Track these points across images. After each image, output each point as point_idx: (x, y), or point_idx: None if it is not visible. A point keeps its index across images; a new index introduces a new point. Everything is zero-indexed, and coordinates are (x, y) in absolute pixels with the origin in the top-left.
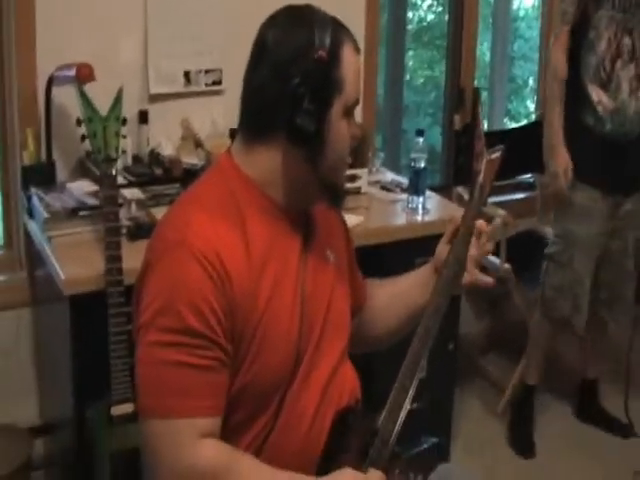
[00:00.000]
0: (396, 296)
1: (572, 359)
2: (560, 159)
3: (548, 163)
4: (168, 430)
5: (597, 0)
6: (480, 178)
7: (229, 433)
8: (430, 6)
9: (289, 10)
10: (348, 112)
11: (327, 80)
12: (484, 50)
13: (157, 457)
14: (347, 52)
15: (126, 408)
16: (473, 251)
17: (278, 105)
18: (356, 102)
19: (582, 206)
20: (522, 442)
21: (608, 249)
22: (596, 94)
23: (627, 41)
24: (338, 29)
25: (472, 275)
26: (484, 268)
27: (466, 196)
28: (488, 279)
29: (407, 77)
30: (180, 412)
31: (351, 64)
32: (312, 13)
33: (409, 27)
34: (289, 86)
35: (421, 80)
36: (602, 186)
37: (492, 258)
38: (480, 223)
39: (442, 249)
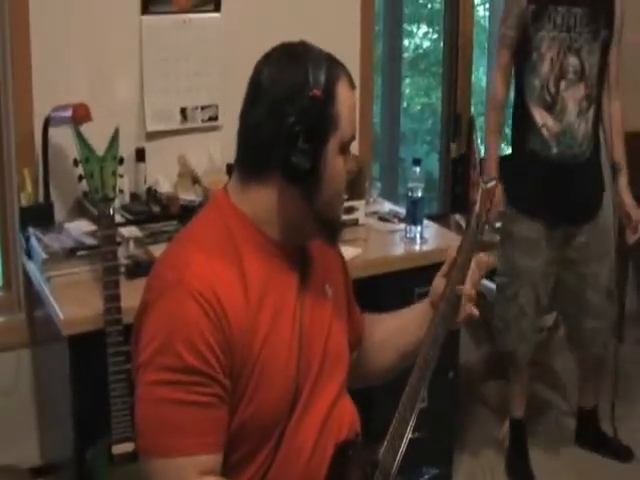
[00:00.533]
0: (395, 331)
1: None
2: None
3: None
4: (169, 469)
5: (537, 21)
6: (476, 207)
7: (229, 470)
8: (426, 33)
9: (284, 48)
10: (344, 148)
11: (322, 118)
12: (480, 75)
13: None
14: (342, 89)
15: (126, 447)
16: (467, 287)
17: (274, 144)
18: (352, 138)
19: (525, 239)
20: (521, 475)
21: (563, 282)
22: (540, 117)
23: (573, 61)
24: (333, 66)
25: (467, 310)
26: (482, 295)
27: (464, 224)
28: (475, 312)
29: (404, 105)
30: (181, 450)
31: (346, 100)
32: (306, 50)
33: (405, 55)
34: (284, 125)
35: (418, 107)
36: (545, 218)
37: (491, 284)
38: (480, 258)
39: (439, 282)
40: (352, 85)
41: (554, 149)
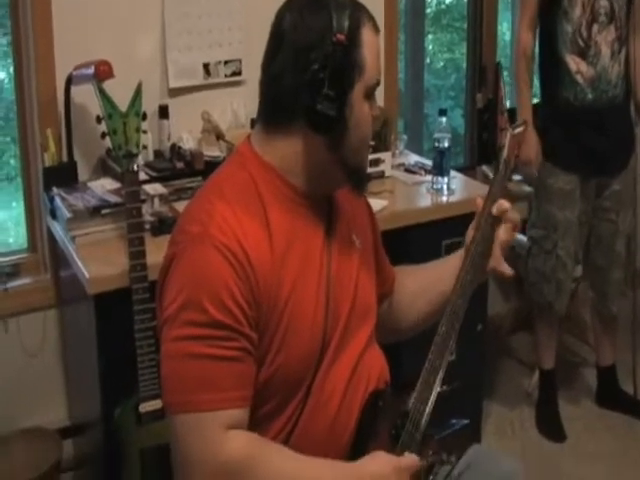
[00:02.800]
0: (425, 285)
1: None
2: (529, 146)
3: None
4: (195, 424)
5: None
6: (504, 153)
7: (257, 423)
8: None
9: None
10: (369, 94)
11: (347, 63)
12: (504, 30)
13: (186, 451)
14: (366, 33)
15: (154, 405)
16: (501, 235)
17: (298, 92)
18: (377, 83)
19: (561, 191)
20: (551, 427)
21: (597, 231)
22: (574, 63)
23: (604, 3)
24: (356, 10)
25: (495, 260)
26: (512, 248)
27: (491, 174)
28: (508, 270)
29: (427, 61)
30: (207, 405)
31: (371, 45)
32: None
33: (427, 11)
34: (309, 72)
35: (441, 63)
36: (580, 171)
37: (519, 236)
38: (500, 202)
39: (471, 234)
40: (376, 29)
41: (589, 95)
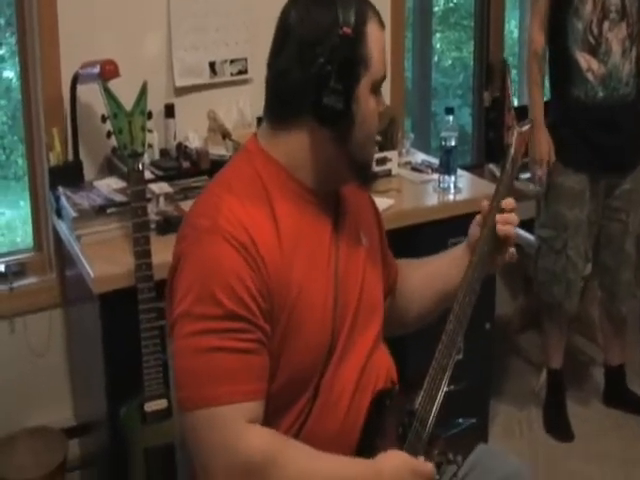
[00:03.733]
0: (430, 277)
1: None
2: (541, 145)
3: (529, 148)
4: (215, 418)
5: None
6: (511, 151)
7: (266, 419)
8: None
9: None
10: (376, 88)
11: (353, 57)
12: (511, 28)
13: (207, 447)
14: (372, 27)
15: (159, 404)
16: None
17: (305, 87)
18: (383, 78)
19: (571, 190)
20: (559, 427)
21: (606, 231)
22: (585, 61)
23: (615, 0)
24: (362, 4)
25: (506, 251)
26: (518, 245)
27: (498, 173)
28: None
29: (435, 59)
30: (226, 398)
31: (377, 39)
32: None
33: (435, 9)
34: (315, 66)
35: (449, 62)
36: (591, 170)
37: (527, 235)
38: (507, 201)
39: (475, 229)
40: (382, 24)
41: (600, 93)
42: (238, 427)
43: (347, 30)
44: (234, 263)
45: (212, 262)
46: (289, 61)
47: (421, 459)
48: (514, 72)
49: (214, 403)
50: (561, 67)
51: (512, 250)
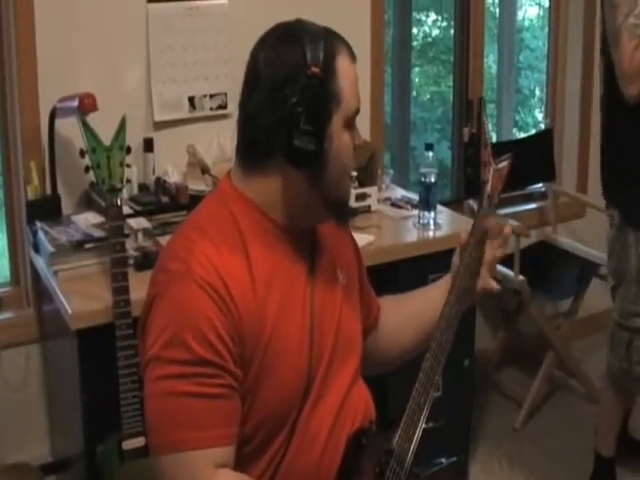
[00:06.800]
0: (412, 313)
1: None
2: None
3: None
4: (183, 464)
5: None
6: (488, 187)
7: (241, 462)
8: (435, 21)
9: (278, 29)
10: (349, 123)
11: (323, 95)
12: (490, 62)
13: None
14: (342, 62)
15: (137, 442)
16: (488, 254)
17: (275, 129)
18: (356, 112)
19: None
20: None
21: None
22: None
23: None
24: (330, 40)
25: (483, 279)
26: (498, 281)
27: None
28: (495, 286)
29: (414, 94)
30: (194, 444)
31: (347, 74)
32: (302, 28)
33: (414, 43)
34: (285, 108)
35: (427, 96)
36: None
37: (506, 270)
38: (499, 225)
39: (457, 259)
40: (353, 57)
41: None
42: (206, 473)
43: (315, 69)
44: (205, 307)
45: (183, 306)
46: (259, 104)
47: None
48: (492, 106)
49: (183, 448)
50: None
51: (495, 286)
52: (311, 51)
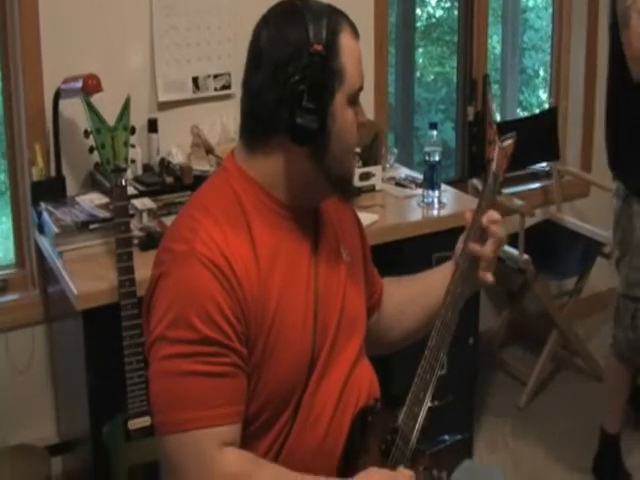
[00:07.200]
0: (420, 293)
1: None
2: None
3: None
4: (189, 443)
5: None
6: (493, 166)
7: (247, 439)
8: (439, 1)
9: (280, 6)
10: (353, 100)
11: (326, 72)
12: (494, 43)
13: (181, 471)
14: (345, 39)
15: (143, 422)
16: (486, 251)
17: (278, 107)
18: (360, 89)
19: None
20: None
21: None
22: None
23: None
24: (333, 17)
25: (482, 275)
26: (502, 260)
27: (481, 187)
28: (489, 279)
29: (417, 74)
30: (200, 423)
31: (350, 51)
32: (304, 5)
33: (418, 24)
34: (288, 86)
35: (431, 77)
36: None
37: (511, 249)
38: (490, 213)
39: (461, 245)
40: (356, 35)
41: None
42: (212, 451)
43: (318, 47)
44: (209, 286)
45: (188, 286)
46: (263, 81)
47: (400, 468)
48: (496, 87)
49: (189, 427)
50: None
51: (489, 277)
52: (314, 29)
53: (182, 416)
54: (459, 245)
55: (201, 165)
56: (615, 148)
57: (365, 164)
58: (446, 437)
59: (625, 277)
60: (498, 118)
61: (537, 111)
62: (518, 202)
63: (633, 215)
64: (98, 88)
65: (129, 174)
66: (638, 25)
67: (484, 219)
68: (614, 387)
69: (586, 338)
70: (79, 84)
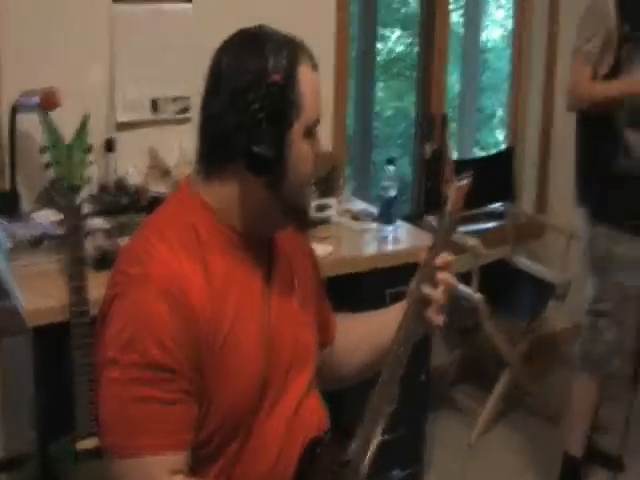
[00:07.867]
0: (368, 333)
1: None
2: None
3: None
4: (137, 469)
5: (632, 50)
6: (448, 205)
7: (198, 464)
8: (399, 37)
9: (242, 34)
10: (309, 132)
11: (284, 103)
12: (453, 81)
13: None
14: (303, 71)
15: (91, 443)
16: (435, 295)
17: (235, 134)
18: (317, 121)
19: (628, 257)
20: None
21: None
22: (634, 139)
23: None
24: (293, 48)
25: (431, 317)
26: (456, 298)
27: (436, 224)
28: (439, 323)
29: (377, 108)
30: (149, 449)
31: (308, 83)
32: (265, 35)
33: (378, 59)
34: (246, 114)
35: (390, 111)
36: None
37: (464, 288)
38: (443, 258)
39: (414, 284)
40: (314, 67)
41: None
42: (161, 478)
43: (276, 77)
44: (164, 314)
45: (141, 311)
46: (220, 108)
47: None
48: (453, 125)
49: (137, 454)
50: (605, 140)
51: (437, 319)
52: (273, 59)
53: (132, 442)
54: (412, 285)
55: (157, 187)
56: (579, 176)
57: (321, 195)
58: (396, 471)
59: (589, 294)
60: (455, 156)
61: (494, 151)
62: (471, 241)
63: (598, 237)
64: (56, 104)
65: (85, 193)
66: (582, 68)
67: (437, 261)
68: (580, 405)
69: (538, 378)
70: (36, 99)
